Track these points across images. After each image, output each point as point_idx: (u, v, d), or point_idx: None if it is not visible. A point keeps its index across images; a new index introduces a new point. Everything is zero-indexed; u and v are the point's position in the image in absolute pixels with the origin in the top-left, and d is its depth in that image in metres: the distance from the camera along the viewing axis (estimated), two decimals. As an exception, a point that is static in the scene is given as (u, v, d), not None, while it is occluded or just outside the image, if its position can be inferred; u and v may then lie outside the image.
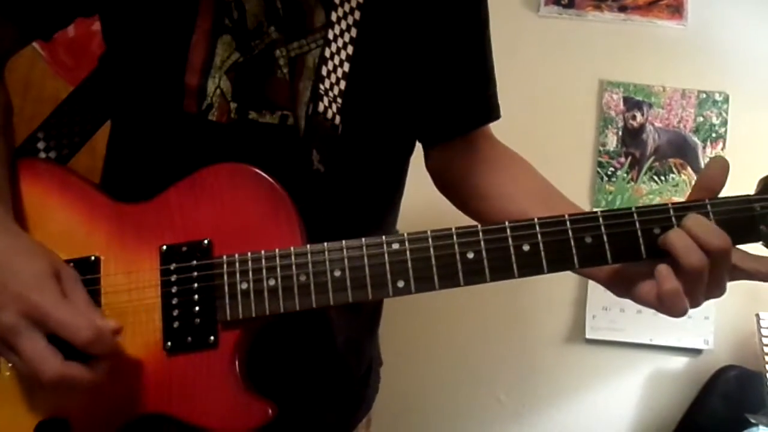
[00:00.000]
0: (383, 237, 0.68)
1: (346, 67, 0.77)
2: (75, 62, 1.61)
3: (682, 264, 0.64)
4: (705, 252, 0.63)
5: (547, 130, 1.88)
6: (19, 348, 0.62)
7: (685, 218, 0.65)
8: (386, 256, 0.67)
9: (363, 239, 0.68)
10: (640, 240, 0.66)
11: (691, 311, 0.66)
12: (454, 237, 0.67)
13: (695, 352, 1.85)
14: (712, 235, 0.64)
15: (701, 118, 1.88)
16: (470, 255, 0.67)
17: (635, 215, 0.66)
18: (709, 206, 0.66)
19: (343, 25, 0.77)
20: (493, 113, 0.92)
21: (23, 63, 1.56)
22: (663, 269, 0.64)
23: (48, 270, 0.64)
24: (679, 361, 1.86)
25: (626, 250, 0.67)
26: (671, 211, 0.66)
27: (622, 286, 0.71)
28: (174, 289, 0.69)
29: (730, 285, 0.68)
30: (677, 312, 0.65)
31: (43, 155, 0.80)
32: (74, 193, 0.74)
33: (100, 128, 0.86)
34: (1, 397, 0.69)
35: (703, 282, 0.64)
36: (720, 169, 0.67)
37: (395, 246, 0.67)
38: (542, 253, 0.66)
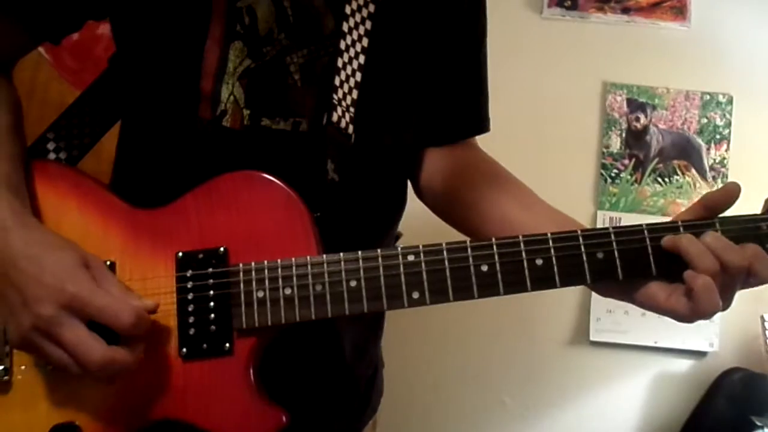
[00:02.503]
0: (399, 248, 0.68)
1: (359, 76, 0.77)
2: (79, 65, 1.62)
3: (697, 268, 0.64)
4: (723, 268, 0.64)
5: (551, 132, 1.88)
6: (63, 338, 0.62)
7: (704, 235, 0.66)
8: (401, 267, 0.68)
9: (379, 250, 0.68)
10: (651, 257, 0.67)
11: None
12: (469, 250, 0.68)
13: (700, 354, 1.85)
14: (731, 252, 0.64)
15: (705, 120, 1.88)
16: (484, 268, 0.67)
17: (646, 232, 0.67)
18: (717, 224, 0.67)
19: (355, 35, 0.77)
20: (483, 125, 0.93)
21: (28, 66, 1.56)
22: (689, 272, 0.65)
23: (77, 260, 0.65)
24: (684, 364, 1.86)
25: (637, 267, 0.67)
26: (681, 230, 0.67)
27: (617, 288, 0.71)
28: (190, 296, 0.69)
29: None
30: (712, 306, 0.64)
31: (52, 156, 0.80)
32: (88, 196, 0.74)
33: (109, 130, 0.86)
34: (13, 401, 0.70)
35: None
36: (730, 197, 0.68)
37: (410, 258, 0.68)
38: (555, 267, 0.67)
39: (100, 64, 0.86)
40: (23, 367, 0.70)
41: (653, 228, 0.67)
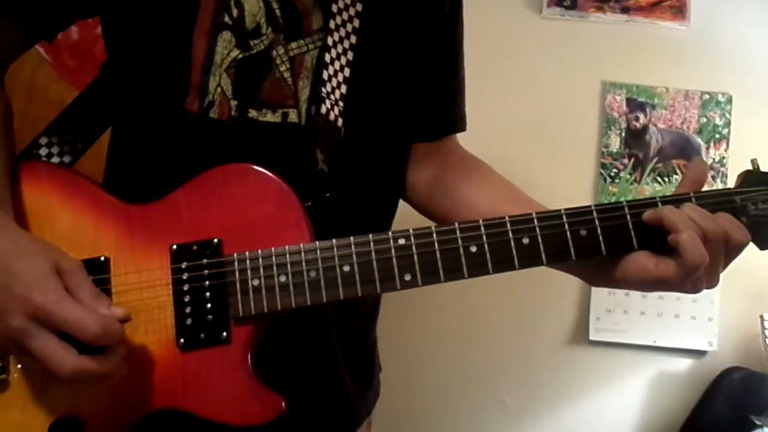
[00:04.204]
0: (389, 233, 0.70)
1: (347, 72, 0.79)
2: (79, 65, 1.62)
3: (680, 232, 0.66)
4: (705, 238, 0.66)
5: (550, 131, 1.88)
6: (33, 349, 0.62)
7: (682, 206, 0.69)
8: (393, 251, 0.70)
9: (370, 235, 0.70)
10: (632, 232, 0.70)
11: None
12: (458, 231, 0.70)
13: (699, 353, 1.85)
14: (708, 220, 0.67)
15: (704, 119, 1.88)
16: (473, 248, 0.70)
17: (626, 208, 0.70)
18: (693, 199, 0.70)
19: (342, 32, 0.79)
20: (462, 125, 0.96)
21: (28, 66, 1.56)
22: (673, 234, 0.67)
23: (48, 268, 0.64)
24: (683, 363, 1.86)
25: (619, 242, 0.70)
26: (659, 204, 0.70)
27: (608, 272, 0.73)
28: (186, 287, 0.70)
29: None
30: (699, 256, 0.65)
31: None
32: (79, 194, 0.74)
33: (104, 134, 0.86)
34: (11, 400, 0.70)
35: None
36: (703, 168, 0.74)
37: (401, 241, 0.70)
38: (541, 245, 0.70)
39: (100, 64, 0.87)
40: (20, 366, 0.70)
41: (633, 204, 0.70)
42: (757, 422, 1.61)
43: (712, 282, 0.70)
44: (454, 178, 0.91)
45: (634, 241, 0.70)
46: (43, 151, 0.81)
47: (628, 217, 0.70)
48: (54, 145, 0.81)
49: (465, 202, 0.89)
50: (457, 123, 0.95)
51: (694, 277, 0.68)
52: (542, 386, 1.88)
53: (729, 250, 0.68)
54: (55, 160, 0.81)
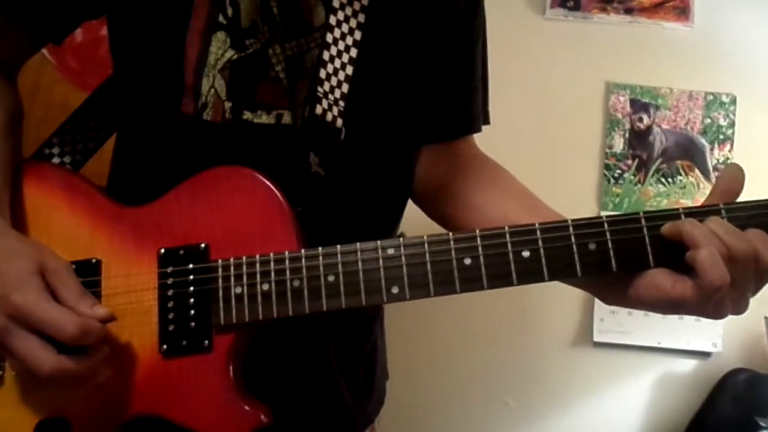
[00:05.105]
0: (378, 242, 0.66)
1: (349, 70, 0.76)
2: (82, 67, 1.62)
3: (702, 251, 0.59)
4: (731, 257, 0.59)
5: (554, 132, 1.88)
6: (13, 349, 0.62)
7: (707, 221, 0.61)
8: (381, 261, 0.66)
9: (358, 244, 0.67)
10: (648, 247, 0.63)
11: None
12: (451, 242, 0.65)
13: (704, 354, 1.84)
14: (737, 238, 0.59)
15: (709, 120, 1.87)
16: (467, 261, 0.65)
17: (643, 220, 0.63)
18: (723, 211, 0.62)
19: (345, 28, 0.76)
20: (475, 125, 0.90)
21: (32, 68, 1.56)
22: (691, 251, 0.60)
23: (30, 268, 0.64)
24: (688, 364, 1.86)
25: (633, 258, 0.63)
26: (682, 216, 0.62)
27: (621, 290, 0.66)
28: (170, 293, 0.69)
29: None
30: (720, 277, 0.58)
31: (57, 160, 0.81)
32: (78, 196, 0.74)
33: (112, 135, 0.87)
34: (5, 398, 0.70)
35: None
36: (737, 175, 0.64)
37: (390, 251, 0.66)
38: (543, 260, 0.63)
39: (103, 65, 0.87)
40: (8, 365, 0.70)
41: (651, 216, 0.63)
42: (762, 424, 1.60)
43: (739, 307, 0.62)
44: (464, 182, 0.87)
45: (650, 258, 0.62)
46: (56, 150, 0.81)
47: (645, 230, 0.62)
48: (66, 144, 0.82)
49: (474, 208, 0.84)
50: (472, 124, 0.89)
51: (715, 300, 0.60)
52: (546, 388, 1.88)
53: (759, 272, 0.60)
54: (67, 159, 0.82)
